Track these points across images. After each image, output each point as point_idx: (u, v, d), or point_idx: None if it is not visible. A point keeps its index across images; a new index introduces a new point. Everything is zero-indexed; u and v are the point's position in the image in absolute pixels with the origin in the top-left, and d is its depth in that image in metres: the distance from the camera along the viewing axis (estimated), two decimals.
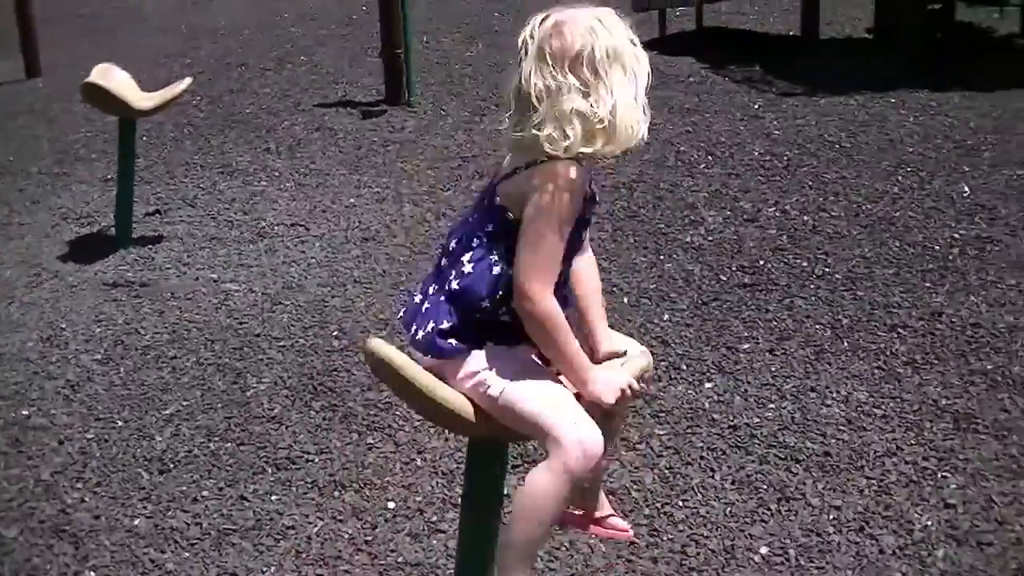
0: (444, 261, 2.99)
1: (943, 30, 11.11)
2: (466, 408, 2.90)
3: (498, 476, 3.09)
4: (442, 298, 2.92)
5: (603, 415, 2.90)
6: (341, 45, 11.52)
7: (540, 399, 2.85)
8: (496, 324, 2.91)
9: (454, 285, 2.90)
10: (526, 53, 2.85)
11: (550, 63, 2.81)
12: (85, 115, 8.94)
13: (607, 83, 2.82)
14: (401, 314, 3.09)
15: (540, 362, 2.97)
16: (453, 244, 2.98)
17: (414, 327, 2.95)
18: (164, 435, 4.57)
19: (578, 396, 2.88)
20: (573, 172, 2.81)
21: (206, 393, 4.90)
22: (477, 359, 2.90)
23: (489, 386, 2.87)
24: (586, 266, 3.09)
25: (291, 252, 6.47)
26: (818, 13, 11.06)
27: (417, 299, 3.00)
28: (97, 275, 6.30)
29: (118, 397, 4.90)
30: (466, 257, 2.91)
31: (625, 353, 3.04)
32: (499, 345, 2.91)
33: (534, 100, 2.81)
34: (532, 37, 2.85)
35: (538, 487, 2.82)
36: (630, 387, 2.90)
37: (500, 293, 2.87)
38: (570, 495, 2.90)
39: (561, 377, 2.94)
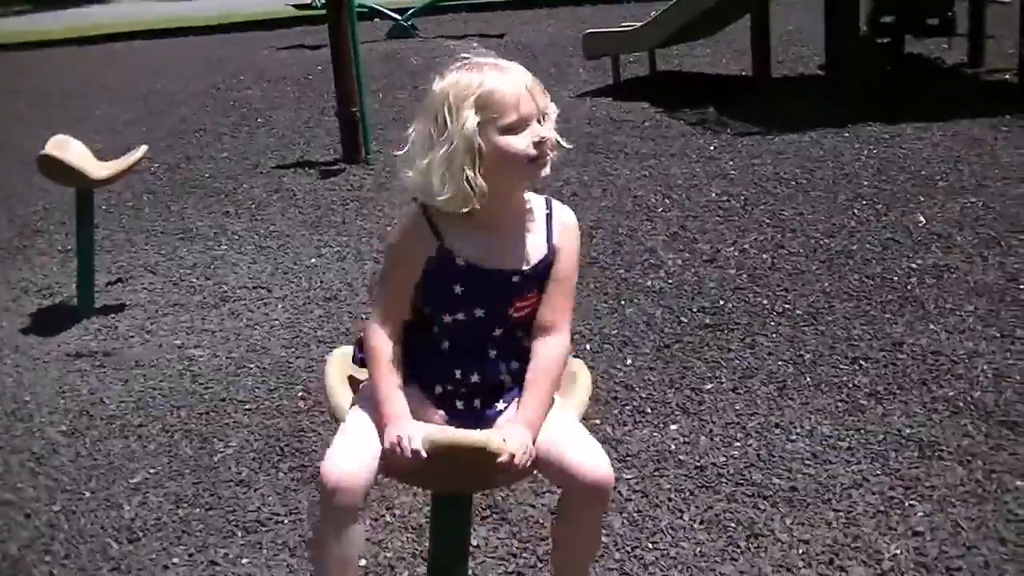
0: None
1: (893, 63, 11.23)
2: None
3: (463, 529, 3.09)
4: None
5: None
6: (298, 106, 11.56)
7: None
8: None
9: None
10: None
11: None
12: (43, 187, 8.91)
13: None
14: None
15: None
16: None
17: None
18: (132, 504, 4.55)
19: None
20: None
21: (173, 460, 4.89)
22: None
23: None
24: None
25: (254, 315, 6.47)
26: (769, 53, 11.16)
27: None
28: (60, 346, 6.28)
29: (84, 468, 4.88)
30: None
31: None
32: None
33: None
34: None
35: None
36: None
37: None
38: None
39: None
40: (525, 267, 3.06)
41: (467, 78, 2.94)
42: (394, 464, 2.92)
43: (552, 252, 3.08)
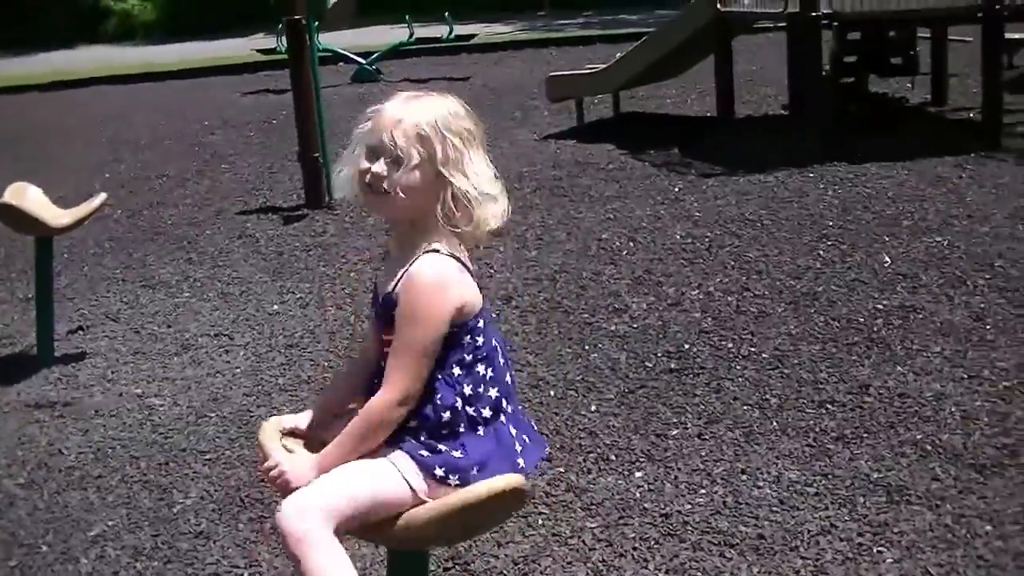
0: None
1: (857, 102, 11.27)
2: None
3: None
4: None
5: None
6: (261, 151, 11.53)
7: None
8: None
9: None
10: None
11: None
12: (4, 233, 8.84)
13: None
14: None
15: None
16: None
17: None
18: (89, 557, 4.46)
19: None
20: None
21: (132, 512, 4.81)
22: None
23: None
24: None
25: (216, 363, 6.40)
26: (732, 93, 11.19)
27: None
28: (19, 396, 6.19)
29: (42, 521, 4.79)
30: None
31: None
32: None
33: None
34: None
35: None
36: None
37: None
38: None
39: None
40: (379, 300, 3.08)
41: None
42: None
43: (395, 296, 2.98)
